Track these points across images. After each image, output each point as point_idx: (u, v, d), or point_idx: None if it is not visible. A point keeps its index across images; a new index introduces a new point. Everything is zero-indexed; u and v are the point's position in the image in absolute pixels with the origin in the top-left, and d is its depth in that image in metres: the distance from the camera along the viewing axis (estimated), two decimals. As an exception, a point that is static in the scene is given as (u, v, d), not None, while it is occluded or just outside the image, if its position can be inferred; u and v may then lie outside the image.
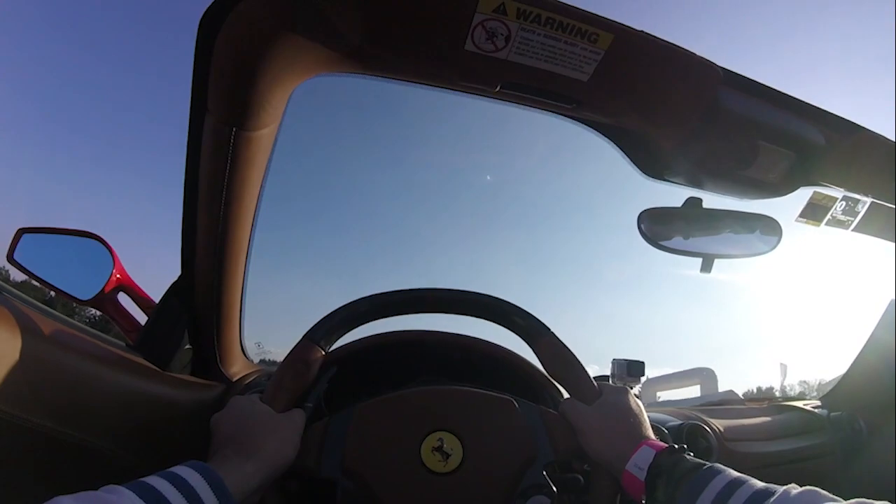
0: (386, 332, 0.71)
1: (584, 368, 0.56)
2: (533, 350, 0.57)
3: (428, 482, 0.49)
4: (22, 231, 0.70)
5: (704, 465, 0.45)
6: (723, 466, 0.44)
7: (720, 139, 0.63)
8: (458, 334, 0.72)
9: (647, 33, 0.51)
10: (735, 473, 0.43)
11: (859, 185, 0.74)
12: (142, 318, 0.70)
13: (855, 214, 0.81)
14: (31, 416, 0.44)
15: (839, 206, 0.80)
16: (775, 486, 0.40)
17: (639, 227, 0.71)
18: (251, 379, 0.72)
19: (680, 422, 0.85)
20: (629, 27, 0.50)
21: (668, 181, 0.69)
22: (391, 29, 0.48)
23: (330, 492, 0.49)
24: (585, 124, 0.63)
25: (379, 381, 0.63)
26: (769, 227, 0.75)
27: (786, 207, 0.78)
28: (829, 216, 0.80)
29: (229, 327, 0.69)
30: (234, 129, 0.52)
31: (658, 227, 0.71)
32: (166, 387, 0.60)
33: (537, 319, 0.57)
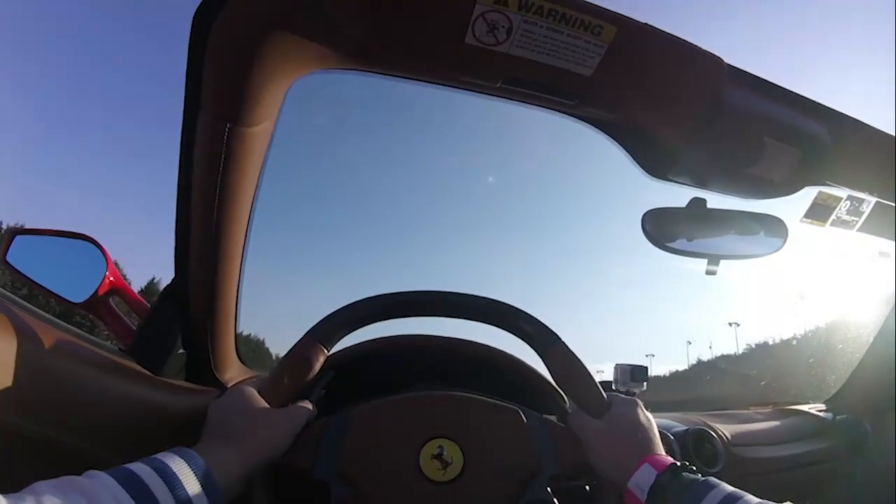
0: (388, 337, 0.70)
1: (594, 380, 0.54)
2: (542, 359, 0.55)
3: (425, 491, 0.47)
4: (14, 232, 0.68)
5: (700, 479, 0.44)
6: (718, 481, 0.44)
7: (725, 136, 0.62)
8: (461, 339, 0.70)
9: (651, 26, 0.50)
10: (730, 488, 0.42)
11: (864, 184, 0.73)
12: (135, 322, 0.68)
13: (860, 214, 0.80)
14: (19, 420, 0.42)
15: (844, 207, 0.79)
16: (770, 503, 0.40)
17: (643, 228, 0.69)
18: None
19: (685, 427, 0.84)
20: (633, 20, 0.49)
21: (672, 181, 0.68)
22: (390, 23, 0.47)
23: (323, 495, 0.48)
24: (588, 122, 0.62)
25: (379, 384, 0.61)
26: (775, 228, 0.74)
27: (790, 208, 0.77)
28: (833, 216, 0.79)
29: (224, 331, 0.68)
30: (228, 125, 0.51)
31: (662, 227, 0.70)
32: (159, 392, 0.58)
33: (547, 327, 0.55)
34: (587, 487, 0.58)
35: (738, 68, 0.59)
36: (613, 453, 0.49)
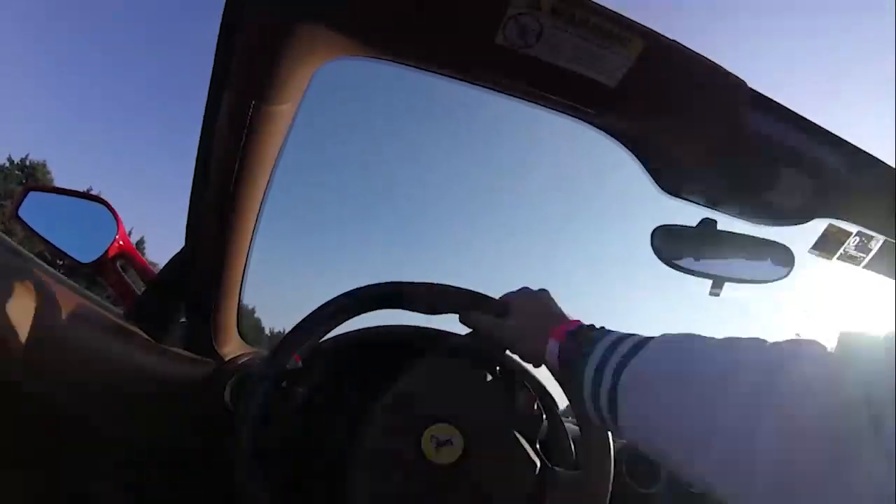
0: (373, 327, 0.70)
1: (484, 297, 0.56)
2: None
3: (430, 474, 0.48)
4: (29, 188, 0.69)
5: (603, 336, 0.42)
6: (620, 333, 0.42)
7: (741, 160, 0.63)
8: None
9: (678, 43, 0.51)
10: (638, 336, 0.40)
11: (876, 222, 0.74)
12: (140, 288, 0.68)
13: (867, 252, 0.80)
14: (20, 377, 0.42)
15: (852, 242, 0.79)
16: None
17: (651, 243, 0.70)
18: (243, 360, 0.71)
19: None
20: (661, 35, 0.49)
21: (685, 199, 0.68)
22: (422, 15, 0.48)
23: (337, 474, 0.49)
24: (607, 132, 0.62)
25: (377, 371, 0.61)
26: (782, 256, 0.74)
27: (799, 238, 0.77)
28: (841, 251, 0.79)
29: (227, 305, 0.68)
30: (252, 102, 0.51)
31: (671, 244, 0.70)
32: (157, 358, 0.58)
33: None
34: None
35: (760, 93, 0.59)
36: (527, 345, 0.50)
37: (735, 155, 0.62)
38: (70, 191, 0.70)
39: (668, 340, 0.37)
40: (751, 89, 0.57)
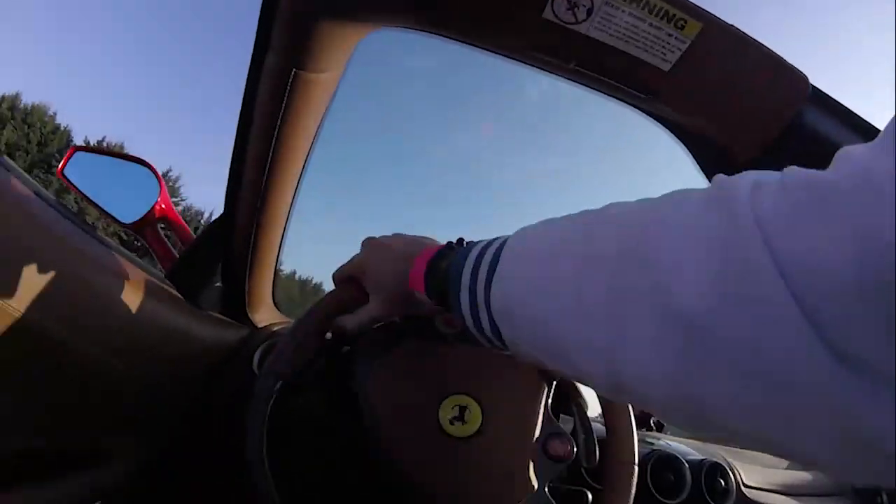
0: None
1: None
2: None
3: (446, 446, 0.47)
4: (75, 148, 0.70)
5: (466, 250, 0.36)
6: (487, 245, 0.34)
7: (795, 158, 0.61)
8: None
9: (737, 29, 0.49)
10: (497, 242, 0.33)
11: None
12: (179, 251, 0.69)
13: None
14: (55, 325, 0.43)
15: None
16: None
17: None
18: (276, 329, 0.71)
19: (701, 458, 0.81)
20: (720, 19, 0.48)
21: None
22: None
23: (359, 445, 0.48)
24: (657, 119, 0.61)
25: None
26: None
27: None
28: None
29: (262, 273, 0.68)
30: (294, 70, 0.51)
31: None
32: (192, 320, 0.59)
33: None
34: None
35: (821, 90, 0.57)
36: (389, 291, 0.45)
37: (789, 152, 0.60)
38: (114, 152, 0.72)
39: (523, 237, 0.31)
40: (813, 86, 0.55)
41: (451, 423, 0.47)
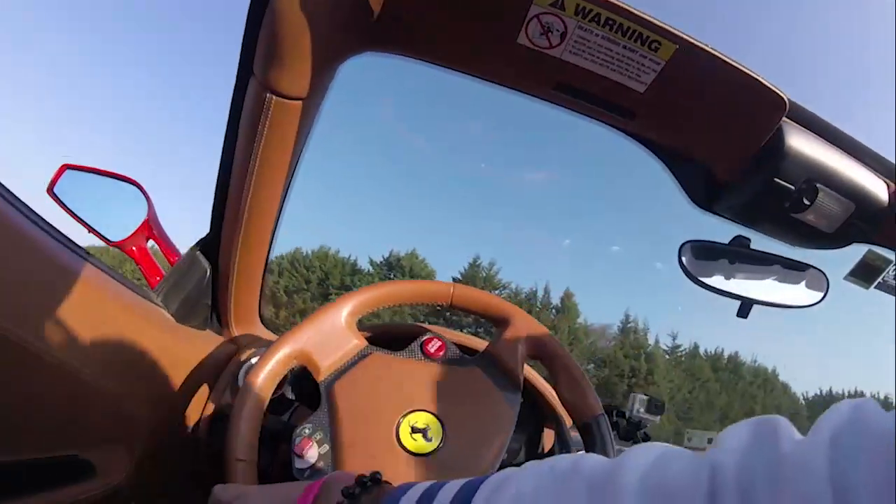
0: None
1: None
2: None
3: (407, 464, 0.47)
4: (66, 167, 0.71)
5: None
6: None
7: (778, 176, 0.60)
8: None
9: (712, 49, 0.49)
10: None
11: (921, 251, 0.70)
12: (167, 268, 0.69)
13: (909, 282, 0.76)
14: (38, 342, 0.43)
15: (892, 271, 0.75)
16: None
17: (679, 259, 0.67)
18: (260, 345, 0.71)
19: None
20: (694, 40, 0.48)
21: (717, 214, 0.66)
22: (444, 14, 0.47)
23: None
24: (637, 140, 0.61)
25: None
26: (816, 281, 0.71)
27: (834, 260, 0.74)
28: (879, 279, 0.75)
29: (248, 292, 0.69)
30: (272, 96, 0.50)
31: (700, 261, 0.68)
32: (177, 338, 0.59)
33: None
34: None
35: (802, 107, 0.57)
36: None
37: (772, 171, 0.60)
38: (104, 171, 0.72)
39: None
40: (791, 102, 0.55)
41: (412, 437, 0.48)
